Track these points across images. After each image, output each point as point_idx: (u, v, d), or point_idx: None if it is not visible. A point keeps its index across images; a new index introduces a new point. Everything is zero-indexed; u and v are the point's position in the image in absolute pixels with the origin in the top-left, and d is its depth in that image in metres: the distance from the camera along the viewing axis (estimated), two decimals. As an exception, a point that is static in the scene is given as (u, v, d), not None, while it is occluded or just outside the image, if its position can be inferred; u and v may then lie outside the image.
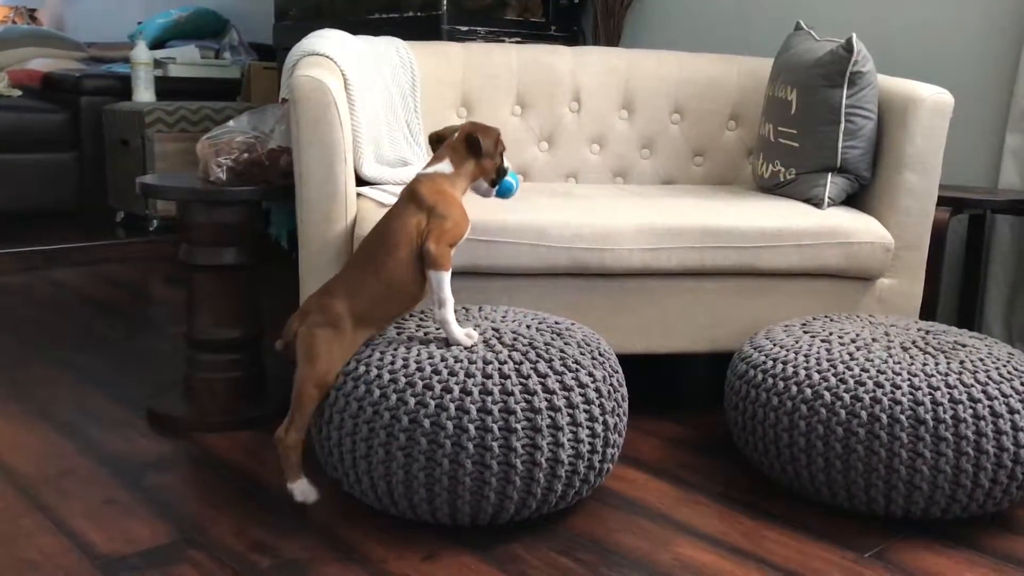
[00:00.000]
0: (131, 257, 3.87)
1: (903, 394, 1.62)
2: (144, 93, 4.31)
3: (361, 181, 2.14)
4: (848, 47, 2.15)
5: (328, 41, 2.13)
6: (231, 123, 2.13)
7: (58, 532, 1.57)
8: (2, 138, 4.13)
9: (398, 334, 1.67)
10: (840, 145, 2.19)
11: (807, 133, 2.24)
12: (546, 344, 1.64)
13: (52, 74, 4.55)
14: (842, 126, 2.19)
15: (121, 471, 1.81)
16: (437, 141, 1.75)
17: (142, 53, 4.32)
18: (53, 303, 3.10)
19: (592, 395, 1.59)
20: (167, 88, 4.43)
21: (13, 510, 1.64)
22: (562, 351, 1.62)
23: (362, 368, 1.58)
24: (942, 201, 2.27)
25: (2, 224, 4.18)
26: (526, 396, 1.52)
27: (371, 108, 2.18)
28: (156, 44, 4.83)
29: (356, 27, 2.59)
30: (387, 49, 2.45)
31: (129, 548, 1.52)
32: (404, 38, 2.55)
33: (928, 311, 2.30)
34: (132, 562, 1.48)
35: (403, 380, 1.53)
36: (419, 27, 3.16)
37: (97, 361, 2.50)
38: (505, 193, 1.79)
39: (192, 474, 1.81)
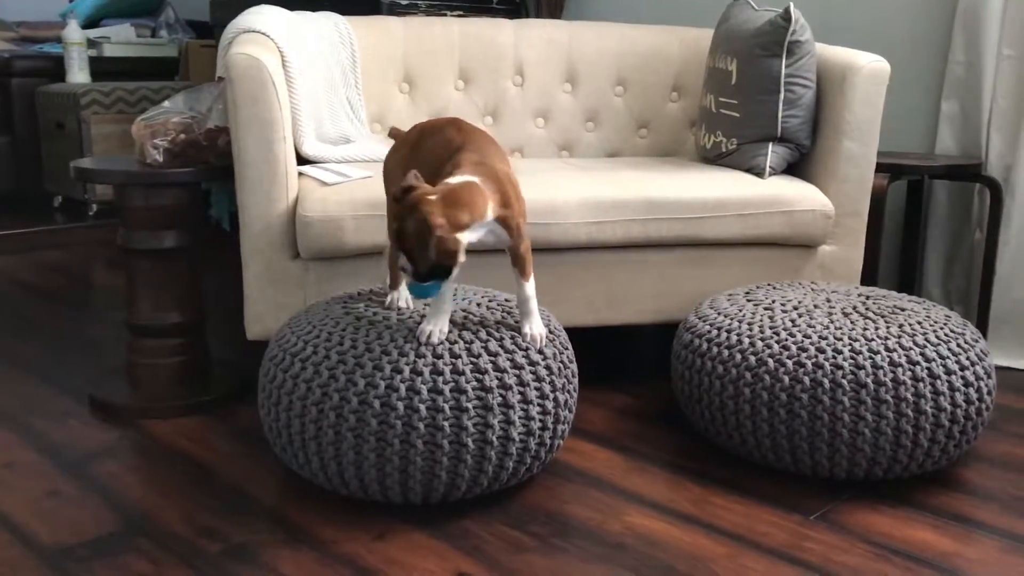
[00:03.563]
0: (70, 243, 3.79)
1: (844, 359, 1.65)
2: (78, 74, 4.20)
3: (302, 160, 2.11)
4: (786, 17, 2.17)
5: (265, 17, 2.09)
6: (167, 103, 2.09)
7: (2, 526, 1.54)
8: (-70, 123, 4.00)
9: (345, 314, 1.66)
10: (780, 114, 2.22)
11: (747, 103, 2.26)
12: (496, 323, 1.64)
13: (-20, 56, 4.41)
14: (782, 95, 2.21)
15: (64, 461, 1.78)
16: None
17: (75, 32, 4.21)
18: (-10, 292, 3.02)
19: (543, 372, 1.59)
20: (102, 68, 4.32)
21: (-47, 505, 1.60)
22: (512, 329, 1.62)
23: (310, 349, 1.57)
24: (880, 168, 2.31)
25: (-67, 212, 4.06)
26: (476, 375, 1.52)
27: (310, 85, 2.15)
28: (89, 23, 4.70)
29: (294, 3, 2.54)
30: (326, 24, 2.41)
31: (74, 539, 1.50)
32: (343, 13, 2.51)
33: (869, 277, 2.35)
34: (78, 553, 1.46)
35: (352, 361, 1.52)
36: (358, 2, 3.12)
37: (37, 350, 2.44)
38: (422, 293, 1.48)
39: (137, 462, 1.79)
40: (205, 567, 1.42)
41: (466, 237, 1.44)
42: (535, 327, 1.62)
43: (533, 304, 1.63)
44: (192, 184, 1.99)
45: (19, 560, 1.44)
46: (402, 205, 1.42)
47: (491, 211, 1.47)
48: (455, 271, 1.44)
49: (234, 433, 1.92)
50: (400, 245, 1.42)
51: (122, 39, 4.53)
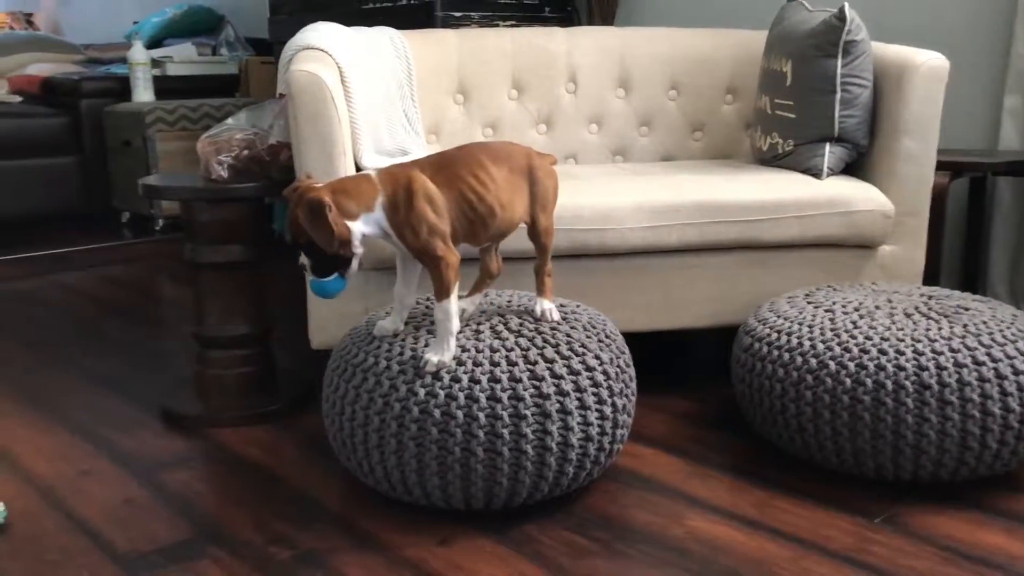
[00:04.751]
0: (138, 257, 3.90)
1: (907, 360, 1.63)
2: (143, 93, 4.32)
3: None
4: (841, 16, 2.15)
5: (323, 34, 2.14)
6: (230, 120, 2.15)
7: (79, 532, 1.60)
8: (4, 145, 4.15)
9: (404, 324, 1.69)
10: (837, 114, 2.20)
11: (803, 104, 2.24)
12: (552, 329, 1.65)
13: (51, 78, 4.57)
14: (838, 95, 2.19)
15: (138, 470, 1.84)
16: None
17: (139, 53, 4.33)
18: (62, 307, 3.12)
19: (600, 378, 1.60)
20: (166, 87, 4.44)
21: (35, 512, 1.67)
22: (568, 335, 1.64)
23: (371, 360, 1.60)
24: (941, 165, 2.27)
25: (8, 230, 4.21)
26: (534, 382, 1.54)
27: (368, 99, 2.19)
28: (152, 43, 4.84)
29: (350, 18, 2.59)
30: (381, 39, 2.45)
31: (149, 546, 1.55)
32: (398, 27, 2.55)
33: (931, 276, 2.31)
34: (153, 560, 1.51)
35: (411, 371, 1.55)
36: (413, 15, 3.16)
37: (109, 363, 2.52)
38: (323, 290, 1.53)
39: (208, 470, 1.84)
40: (278, 574, 1.46)
41: (357, 227, 1.50)
42: (431, 354, 1.54)
43: (441, 327, 1.54)
44: (256, 199, 2.05)
45: (97, 566, 1.49)
46: (291, 200, 1.49)
47: (379, 205, 1.51)
48: (354, 264, 1.52)
49: (300, 441, 1.96)
50: (295, 241, 1.49)
51: (184, 58, 4.65)
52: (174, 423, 2.08)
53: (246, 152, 2.04)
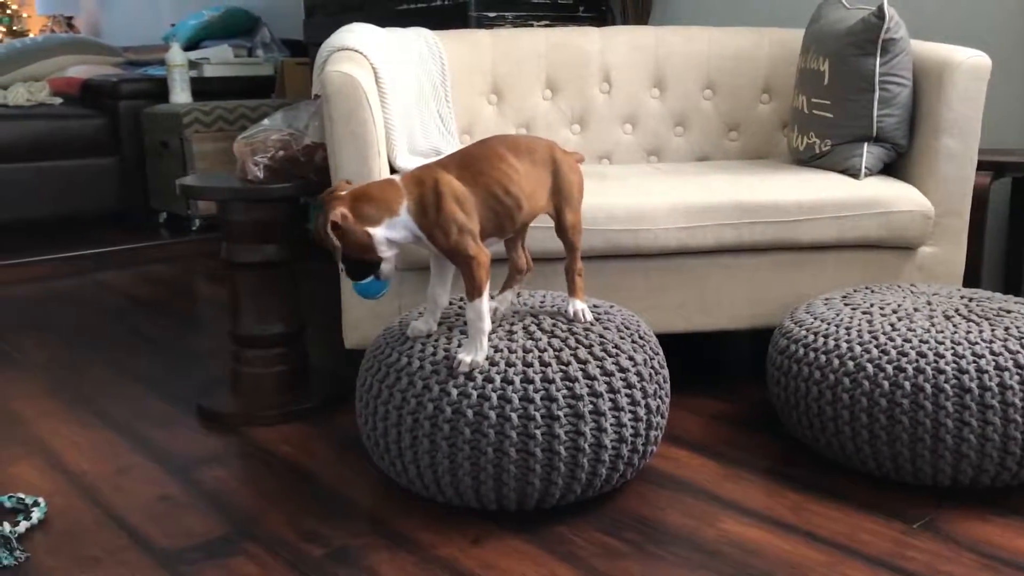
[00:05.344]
0: (175, 257, 3.95)
1: (947, 363, 1.60)
2: (180, 94, 4.37)
3: (395, 173, 2.15)
4: (880, 14, 2.13)
5: (358, 35, 2.15)
6: (266, 121, 2.16)
7: (118, 528, 1.62)
8: (45, 145, 4.22)
9: (438, 324, 1.69)
10: (875, 114, 2.17)
11: (841, 103, 2.22)
12: (585, 329, 1.65)
13: (90, 80, 4.64)
14: (876, 94, 2.16)
15: (174, 467, 1.86)
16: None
17: (177, 55, 4.38)
18: (101, 305, 3.17)
19: (633, 379, 1.59)
20: (202, 88, 4.49)
21: (74, 507, 1.69)
22: (601, 336, 1.63)
23: (404, 360, 1.60)
24: (983, 165, 2.24)
25: (48, 230, 4.28)
26: (567, 383, 1.54)
27: (403, 100, 2.20)
28: (189, 45, 4.89)
29: (385, 19, 2.60)
30: (416, 40, 2.46)
31: (185, 541, 1.56)
32: (432, 28, 2.56)
33: (972, 278, 2.28)
34: (190, 555, 1.52)
35: (444, 371, 1.55)
36: (447, 16, 3.17)
37: (146, 360, 2.55)
38: (364, 291, 1.59)
39: (243, 468, 1.85)
40: (311, 571, 1.47)
41: (380, 232, 1.51)
42: (464, 354, 1.55)
43: (473, 327, 1.55)
44: (291, 199, 2.06)
45: (135, 561, 1.51)
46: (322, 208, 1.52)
47: (405, 209, 1.52)
48: (385, 267, 1.53)
49: (334, 439, 1.98)
50: (317, 241, 1.51)
51: (221, 60, 4.70)
52: (210, 421, 2.10)
53: (282, 153, 2.06)
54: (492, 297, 1.70)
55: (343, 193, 1.52)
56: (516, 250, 1.71)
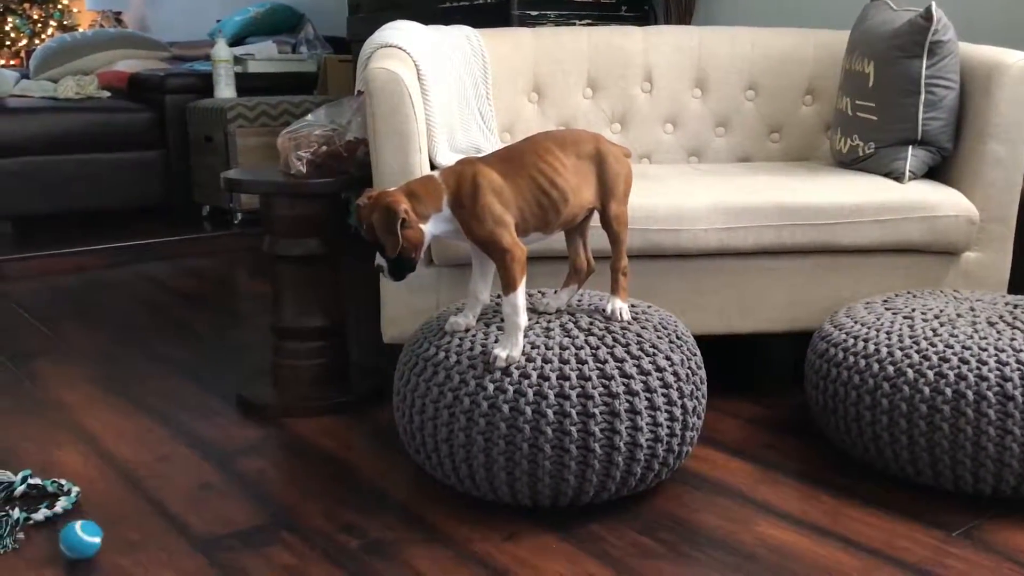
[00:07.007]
0: (217, 250, 3.99)
1: (989, 370, 1.58)
2: (225, 90, 4.42)
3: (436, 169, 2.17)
4: (927, 16, 2.10)
5: (401, 32, 2.17)
6: (309, 117, 2.19)
7: (158, 514, 1.65)
8: (92, 138, 4.29)
9: (475, 319, 1.70)
10: (920, 117, 2.14)
11: (886, 106, 2.19)
12: (623, 328, 1.65)
13: (138, 75, 4.71)
14: (922, 97, 2.13)
15: (214, 456, 1.89)
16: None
17: (222, 51, 4.43)
18: (143, 296, 3.22)
19: (670, 379, 1.59)
20: (247, 84, 4.53)
21: (116, 494, 1.72)
22: (639, 335, 1.63)
23: (441, 354, 1.62)
24: (1030, 171, 2.20)
25: (93, 221, 4.35)
26: (603, 381, 1.54)
27: (444, 97, 2.21)
28: (235, 41, 4.95)
29: (428, 17, 2.62)
30: (458, 38, 2.47)
31: (224, 529, 1.59)
32: (475, 26, 2.57)
33: (1017, 285, 2.24)
34: (228, 543, 1.54)
35: (481, 366, 1.56)
36: (489, 14, 3.18)
37: (188, 351, 2.59)
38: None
39: (281, 458, 1.88)
40: (346, 562, 1.48)
41: (428, 228, 1.54)
42: (500, 350, 1.55)
43: (509, 322, 1.56)
44: (333, 194, 2.08)
45: (175, 546, 1.53)
46: (368, 207, 1.52)
47: (446, 204, 1.54)
48: (416, 262, 1.55)
49: (371, 433, 1.99)
50: (372, 240, 1.53)
51: (265, 56, 4.74)
52: (249, 412, 2.12)
53: (324, 148, 2.08)
54: (554, 292, 1.73)
55: (393, 189, 1.54)
56: (577, 249, 1.72)
